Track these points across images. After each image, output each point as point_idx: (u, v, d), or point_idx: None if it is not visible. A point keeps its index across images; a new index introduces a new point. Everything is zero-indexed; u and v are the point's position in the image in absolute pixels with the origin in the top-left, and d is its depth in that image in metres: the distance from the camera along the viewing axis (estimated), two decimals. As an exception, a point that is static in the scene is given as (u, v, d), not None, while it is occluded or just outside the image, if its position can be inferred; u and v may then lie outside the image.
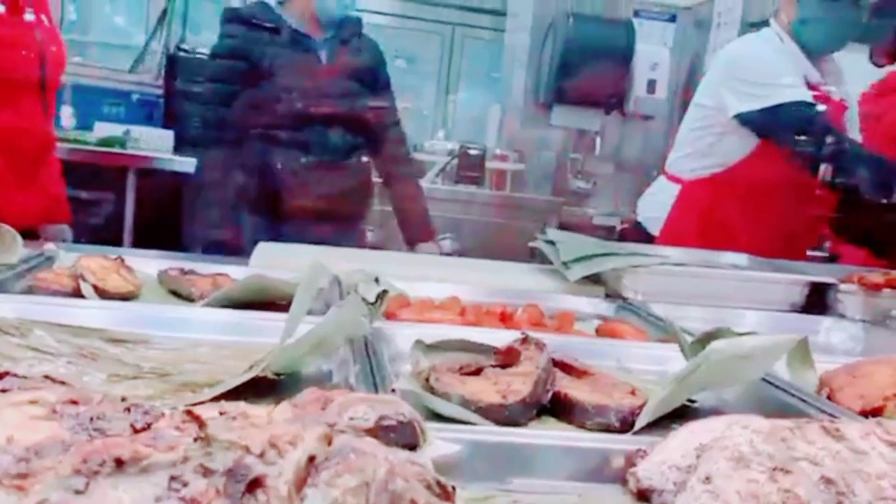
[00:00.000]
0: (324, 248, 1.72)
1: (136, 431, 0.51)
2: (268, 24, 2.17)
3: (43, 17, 2.02)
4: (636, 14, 4.09)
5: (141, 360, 0.84)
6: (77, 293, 1.07)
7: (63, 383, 0.59)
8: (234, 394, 0.76)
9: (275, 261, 1.47)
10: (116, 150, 3.24)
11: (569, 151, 4.05)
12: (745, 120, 2.05)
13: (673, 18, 4.08)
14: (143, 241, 3.26)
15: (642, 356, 1.08)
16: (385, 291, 1.23)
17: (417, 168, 2.64)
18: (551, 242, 1.62)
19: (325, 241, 2.26)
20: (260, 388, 0.80)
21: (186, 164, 3.28)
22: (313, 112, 2.20)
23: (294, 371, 0.86)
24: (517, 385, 0.81)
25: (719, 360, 0.82)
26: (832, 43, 2.08)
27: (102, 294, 1.07)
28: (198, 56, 3.51)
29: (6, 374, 0.58)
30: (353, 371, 0.85)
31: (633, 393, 0.84)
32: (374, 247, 2.70)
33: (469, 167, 3.50)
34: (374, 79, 2.32)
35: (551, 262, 1.63)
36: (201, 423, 0.44)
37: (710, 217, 2.10)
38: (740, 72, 2.11)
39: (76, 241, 2.20)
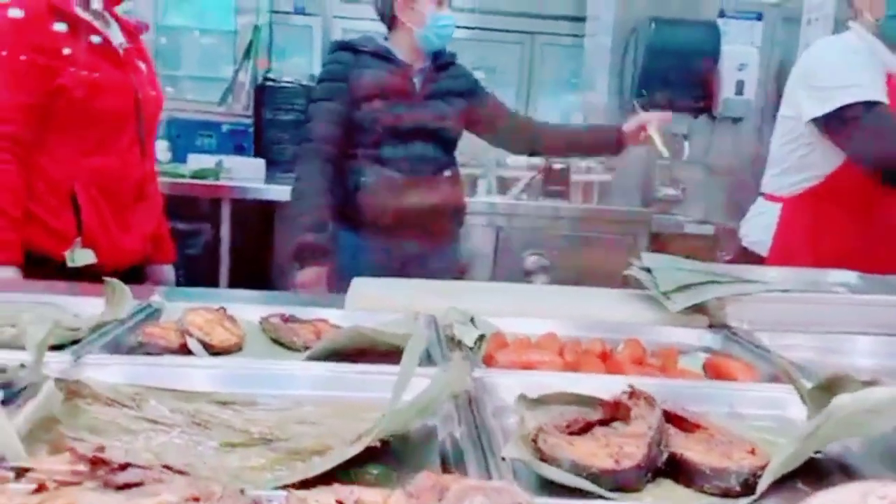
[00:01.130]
0: (416, 283, 1.73)
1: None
2: (372, 52, 2.39)
3: (140, 63, 2.10)
4: (721, 14, 3.97)
5: (249, 423, 0.86)
6: (184, 348, 1.10)
7: (182, 472, 0.60)
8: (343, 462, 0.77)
9: (370, 300, 1.48)
10: (210, 181, 3.34)
11: (656, 158, 3.96)
12: (818, 125, 1.97)
13: (760, 17, 3.94)
14: (239, 268, 3.38)
15: (756, 400, 1.03)
16: (482, 336, 1.22)
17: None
18: (647, 269, 1.57)
19: (419, 259, 2.36)
20: (363, 453, 0.80)
21: (278, 191, 3.37)
22: (407, 131, 2.36)
23: (397, 432, 0.86)
24: (630, 448, 0.78)
25: (844, 415, 0.77)
26: None
27: (209, 348, 1.10)
28: (285, 85, 3.60)
29: (128, 465, 0.60)
30: (459, 431, 0.84)
31: (752, 451, 0.81)
32: (464, 269, 2.71)
33: (554, 181, 3.46)
34: (462, 101, 2.50)
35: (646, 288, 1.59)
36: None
37: (817, 233, 2.00)
38: (812, 77, 2.05)
39: (177, 271, 2.29)
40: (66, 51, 1.88)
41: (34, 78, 1.84)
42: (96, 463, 0.59)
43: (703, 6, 3.94)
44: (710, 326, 1.41)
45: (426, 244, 2.47)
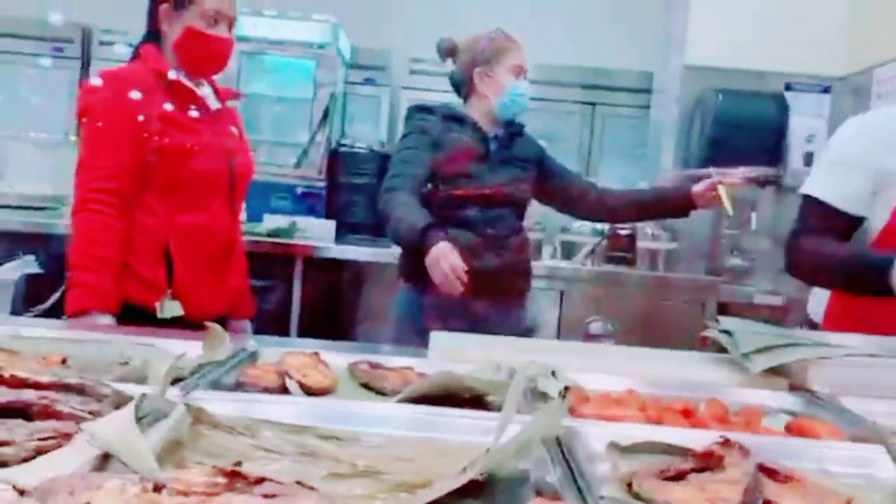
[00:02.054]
0: (492, 339, 1.77)
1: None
2: (452, 116, 2.51)
3: (233, 128, 2.23)
4: (788, 87, 4.01)
5: (353, 457, 0.90)
6: (282, 388, 1.15)
7: (312, 489, 0.64)
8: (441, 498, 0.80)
9: (450, 351, 1.52)
10: (284, 239, 3.46)
11: (723, 228, 3.95)
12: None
13: (827, 90, 3.96)
14: (309, 324, 3.46)
15: (844, 458, 1.03)
16: (567, 388, 1.25)
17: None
18: (727, 332, 1.58)
19: (488, 319, 2.40)
20: (459, 490, 0.83)
21: (348, 251, 3.47)
22: (482, 194, 2.45)
23: (494, 473, 0.89)
24: (726, 493, 0.80)
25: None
26: None
27: (306, 390, 1.15)
28: (358, 150, 3.74)
29: (263, 479, 0.65)
30: (555, 474, 0.86)
31: (848, 503, 0.81)
32: (530, 331, 2.74)
33: (619, 247, 3.49)
34: (531, 167, 2.61)
35: (723, 350, 1.59)
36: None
37: (863, 303, 1.95)
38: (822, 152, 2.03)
39: (252, 325, 2.37)
40: (168, 114, 2.01)
41: (138, 140, 1.96)
42: (233, 477, 0.64)
43: (769, 79, 3.99)
44: (791, 389, 1.41)
45: (495, 305, 2.52)
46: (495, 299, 2.52)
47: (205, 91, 2.16)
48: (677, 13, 4.14)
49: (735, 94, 3.87)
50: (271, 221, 3.60)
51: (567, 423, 1.06)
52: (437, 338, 1.66)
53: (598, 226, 3.67)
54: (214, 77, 2.26)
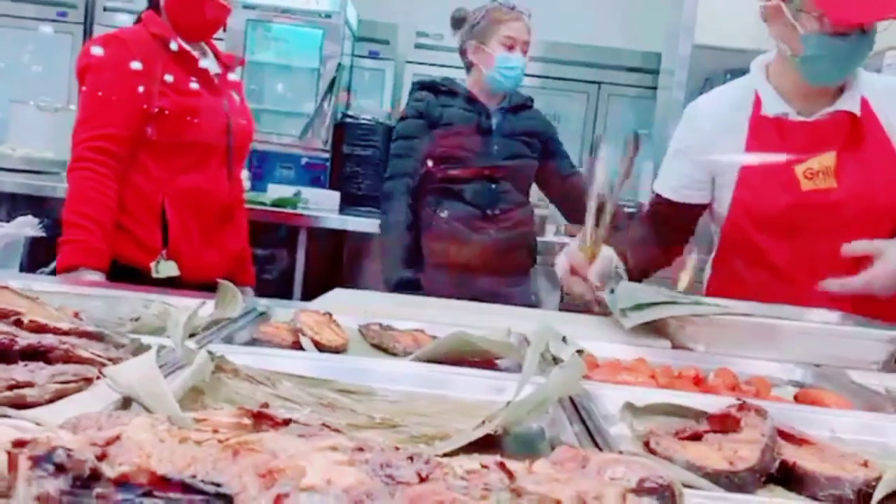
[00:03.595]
0: (496, 307, 1.78)
1: (421, 480, 0.55)
2: (451, 91, 2.50)
3: (234, 93, 2.23)
4: (797, 68, 3.99)
5: (370, 410, 0.90)
6: (296, 346, 1.15)
7: (338, 431, 0.64)
8: (459, 449, 0.80)
9: (457, 318, 1.52)
10: (289, 209, 3.46)
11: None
12: None
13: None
14: (312, 293, 3.45)
15: (857, 426, 1.03)
16: (581, 351, 1.25)
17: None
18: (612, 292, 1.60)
19: (491, 293, 2.41)
20: (476, 444, 0.83)
21: (351, 222, 3.47)
22: (483, 168, 2.46)
23: (510, 428, 0.89)
24: (744, 452, 0.80)
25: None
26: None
27: (319, 347, 1.15)
28: (363, 122, 3.72)
29: (290, 420, 0.65)
30: (572, 431, 0.86)
31: (865, 465, 0.82)
32: (534, 306, 2.74)
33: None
34: (536, 142, 2.60)
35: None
36: (511, 475, 0.47)
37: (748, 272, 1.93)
38: None
39: (254, 293, 2.37)
40: (167, 78, 2.01)
41: (136, 102, 1.97)
42: (260, 418, 0.64)
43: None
44: (673, 347, 1.44)
45: (499, 279, 2.52)
46: (497, 274, 2.53)
47: (206, 56, 2.16)
48: (688, -7, 4.11)
49: (743, 74, 3.84)
50: (276, 191, 3.60)
51: (585, 385, 1.06)
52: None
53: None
54: (219, 44, 2.26)
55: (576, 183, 2.64)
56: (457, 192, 2.48)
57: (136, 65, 1.98)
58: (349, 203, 3.64)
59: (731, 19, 3.98)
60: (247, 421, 0.64)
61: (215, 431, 0.58)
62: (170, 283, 1.93)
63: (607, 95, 5.66)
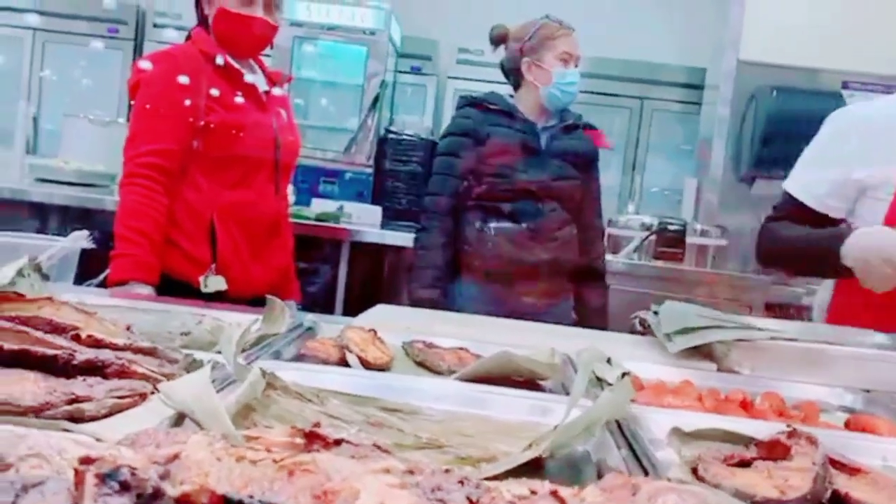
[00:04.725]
0: (538, 325, 1.77)
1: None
2: (498, 109, 2.47)
3: (282, 110, 2.26)
4: (845, 86, 3.93)
5: (417, 430, 0.91)
6: (342, 362, 1.17)
7: (388, 452, 0.65)
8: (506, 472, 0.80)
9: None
10: (332, 224, 3.50)
11: (772, 227, 3.89)
12: None
13: (890, 89, 3.87)
14: (354, 307, 3.49)
15: (911, 455, 1.01)
16: (627, 373, 1.24)
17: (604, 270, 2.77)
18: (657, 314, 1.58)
19: (533, 311, 2.41)
20: (520, 467, 0.83)
21: (393, 237, 3.49)
22: (529, 188, 2.44)
23: (557, 452, 0.89)
24: (795, 480, 0.79)
25: None
26: None
27: (365, 364, 1.16)
28: (405, 138, 3.75)
29: (342, 440, 0.65)
30: (619, 455, 0.86)
31: (921, 497, 0.80)
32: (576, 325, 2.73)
33: (668, 243, 3.45)
34: (584, 165, 2.57)
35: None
36: (562, 502, 0.47)
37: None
38: None
39: (299, 308, 2.39)
40: (215, 94, 2.05)
41: (186, 117, 2.00)
42: (312, 438, 0.65)
43: (825, 77, 3.91)
44: (718, 370, 1.42)
45: (540, 298, 2.51)
46: (541, 293, 2.52)
47: (254, 73, 2.19)
48: (733, 8, 4.08)
49: (790, 92, 3.80)
50: (320, 206, 3.64)
51: (632, 409, 1.06)
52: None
53: (647, 219, 3.64)
54: (267, 60, 2.29)
55: (593, 222, 2.65)
56: (501, 209, 2.47)
57: (184, 80, 2.02)
58: (391, 217, 3.66)
59: (777, 35, 3.93)
60: (299, 440, 0.65)
61: (269, 451, 0.59)
62: (217, 297, 1.96)
63: (651, 111, 5.62)
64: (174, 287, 1.95)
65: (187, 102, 2.01)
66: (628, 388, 0.88)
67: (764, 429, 0.96)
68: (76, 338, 0.88)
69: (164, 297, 1.87)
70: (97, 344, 0.88)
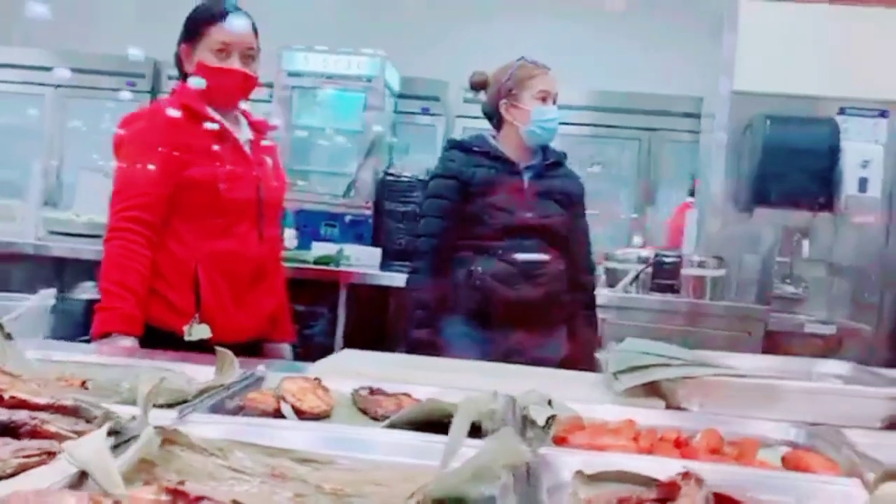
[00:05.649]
0: (514, 368, 1.80)
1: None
2: (481, 151, 2.54)
3: (267, 158, 2.31)
4: (841, 111, 3.92)
5: (324, 480, 0.94)
6: (278, 412, 1.21)
7: (248, 507, 0.68)
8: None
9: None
10: (331, 267, 3.56)
11: (775, 255, 3.87)
12: None
13: (884, 114, 3.86)
14: (354, 348, 3.53)
15: (827, 493, 1.02)
16: (553, 416, 1.26)
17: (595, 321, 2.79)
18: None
19: (523, 349, 2.43)
20: None
21: (392, 278, 3.54)
22: (514, 227, 2.49)
23: (460, 496, 0.91)
24: (672, 523, 0.81)
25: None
26: None
27: (300, 413, 1.20)
28: (404, 179, 3.83)
29: (202, 498, 0.69)
30: (512, 501, 0.88)
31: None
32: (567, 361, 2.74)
33: (663, 275, 3.45)
34: (569, 201, 2.61)
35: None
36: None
37: None
38: None
39: (296, 349, 2.43)
40: (195, 146, 2.11)
41: (167, 170, 2.07)
42: (176, 494, 0.69)
43: (821, 104, 3.91)
44: (667, 408, 1.43)
45: (531, 335, 2.53)
46: (531, 330, 2.54)
47: (238, 123, 2.25)
48: (727, 37, 4.11)
49: (784, 120, 3.80)
50: (320, 249, 3.71)
51: (545, 451, 1.08)
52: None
53: (644, 252, 3.65)
54: (267, 108, 2.35)
55: (583, 260, 2.69)
56: (488, 248, 2.51)
57: (162, 136, 2.10)
58: (391, 258, 3.72)
59: (772, 63, 3.95)
60: (164, 497, 0.69)
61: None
62: (202, 346, 2.01)
63: (660, 141, 5.64)
64: (159, 337, 2.00)
65: (166, 157, 2.08)
66: (513, 436, 0.90)
67: (673, 469, 0.98)
68: (-1, 399, 0.93)
69: (147, 349, 1.93)
70: (19, 404, 0.93)
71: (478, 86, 2.68)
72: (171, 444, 0.89)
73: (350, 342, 3.48)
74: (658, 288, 3.47)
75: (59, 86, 5.70)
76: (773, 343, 3.39)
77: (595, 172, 5.53)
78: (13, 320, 1.36)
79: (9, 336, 1.37)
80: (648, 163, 5.62)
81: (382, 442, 1.10)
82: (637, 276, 3.48)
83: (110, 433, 0.91)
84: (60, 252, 3.66)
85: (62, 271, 3.76)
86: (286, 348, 2.41)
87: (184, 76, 2.22)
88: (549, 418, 1.24)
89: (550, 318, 2.62)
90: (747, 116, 3.94)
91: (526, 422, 1.27)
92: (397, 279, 3.53)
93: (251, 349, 2.20)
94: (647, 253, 3.61)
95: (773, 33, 3.97)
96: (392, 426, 1.17)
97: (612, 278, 3.63)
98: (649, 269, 3.48)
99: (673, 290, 3.47)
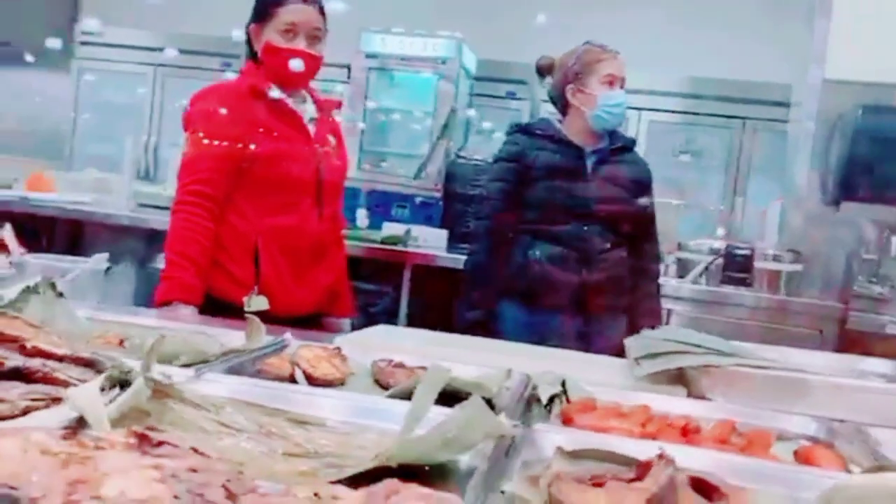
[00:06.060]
0: (558, 352, 1.81)
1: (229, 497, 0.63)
2: (545, 135, 2.54)
3: (331, 136, 2.37)
4: (939, 100, 3.69)
5: (313, 440, 0.98)
6: (292, 377, 1.26)
7: (206, 455, 0.73)
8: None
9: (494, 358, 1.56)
10: (398, 247, 3.62)
11: (859, 252, 3.69)
12: None
13: (985, 103, 3.61)
14: (416, 327, 3.59)
15: (815, 484, 0.99)
16: (556, 395, 1.27)
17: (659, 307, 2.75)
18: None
19: (580, 335, 2.42)
20: (412, 475, 0.88)
21: (457, 260, 3.57)
22: (576, 211, 2.48)
23: (435, 463, 0.93)
24: (630, 500, 0.81)
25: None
26: None
27: (311, 380, 1.24)
28: (474, 162, 3.84)
29: (163, 443, 0.74)
30: (481, 469, 0.90)
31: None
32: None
33: (734, 267, 3.35)
34: (633, 187, 2.58)
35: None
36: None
37: None
38: None
39: (358, 326, 2.50)
40: (259, 124, 2.19)
41: (231, 147, 2.16)
42: (142, 438, 0.74)
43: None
44: (689, 396, 1.40)
45: (588, 322, 2.51)
46: (588, 316, 2.52)
47: (304, 102, 2.32)
48: (819, 23, 3.92)
49: (877, 110, 3.61)
50: (389, 229, 3.78)
51: (539, 426, 1.10)
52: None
53: (716, 244, 3.55)
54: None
55: (648, 247, 2.65)
56: (548, 233, 2.50)
57: (229, 113, 2.19)
58: (458, 241, 3.75)
59: (865, 51, 3.75)
60: (132, 440, 0.74)
61: (82, 446, 0.69)
62: (261, 317, 2.10)
63: (752, 130, 5.46)
64: (219, 307, 2.09)
65: (232, 134, 2.17)
66: (481, 407, 0.91)
67: (651, 451, 0.97)
68: (22, 348, 1.01)
69: (207, 316, 2.03)
70: (40, 354, 1.01)
71: (544, 70, 2.67)
72: (166, 398, 0.95)
73: (413, 322, 3.54)
74: (729, 280, 3.37)
75: (161, 65, 5.98)
76: (852, 343, 3.25)
77: (685, 161, 5.41)
78: (68, 282, 1.46)
79: (60, 295, 1.48)
80: (739, 152, 5.45)
81: (381, 409, 1.13)
82: (706, 268, 3.39)
83: (115, 384, 0.98)
84: (150, 224, 3.85)
85: (152, 242, 3.96)
86: (345, 323, 2.48)
87: (253, 55, 2.30)
88: (552, 397, 1.25)
89: (609, 304, 2.58)
90: (838, 106, 3.76)
91: (532, 400, 1.29)
92: (462, 261, 3.56)
93: (310, 322, 2.28)
94: (719, 244, 3.51)
95: (867, 19, 3.76)
96: (394, 396, 1.20)
97: (683, 269, 3.56)
98: (720, 261, 3.39)
99: (745, 283, 3.36)
